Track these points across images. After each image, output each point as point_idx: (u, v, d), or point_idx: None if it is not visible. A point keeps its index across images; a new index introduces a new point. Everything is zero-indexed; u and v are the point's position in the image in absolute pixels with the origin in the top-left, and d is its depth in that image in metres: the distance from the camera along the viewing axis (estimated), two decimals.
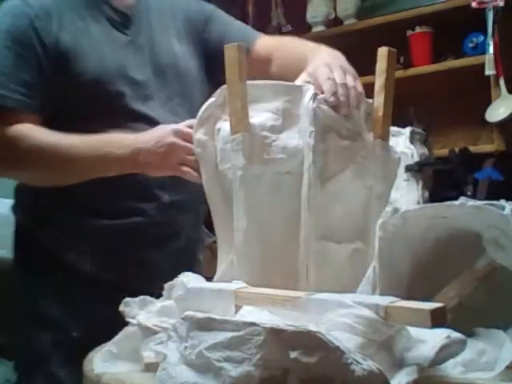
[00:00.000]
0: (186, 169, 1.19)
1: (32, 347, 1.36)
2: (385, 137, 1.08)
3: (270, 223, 1.03)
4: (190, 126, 1.13)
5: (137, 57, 1.38)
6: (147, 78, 1.37)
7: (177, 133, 1.19)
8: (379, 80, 1.08)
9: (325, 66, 1.10)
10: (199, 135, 1.07)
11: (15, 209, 1.46)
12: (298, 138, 1.03)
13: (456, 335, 0.74)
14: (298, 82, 1.10)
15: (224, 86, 1.05)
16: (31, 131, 1.27)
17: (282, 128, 1.04)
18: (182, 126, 1.20)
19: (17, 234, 1.46)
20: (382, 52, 1.09)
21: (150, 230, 1.38)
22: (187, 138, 1.16)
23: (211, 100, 1.07)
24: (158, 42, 1.42)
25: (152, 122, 1.31)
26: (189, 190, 1.33)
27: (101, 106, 1.31)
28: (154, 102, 1.37)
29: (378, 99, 1.08)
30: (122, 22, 1.39)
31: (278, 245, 1.02)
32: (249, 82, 1.04)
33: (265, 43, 1.46)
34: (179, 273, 1.00)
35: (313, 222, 1.01)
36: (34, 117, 1.30)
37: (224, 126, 1.05)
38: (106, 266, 1.35)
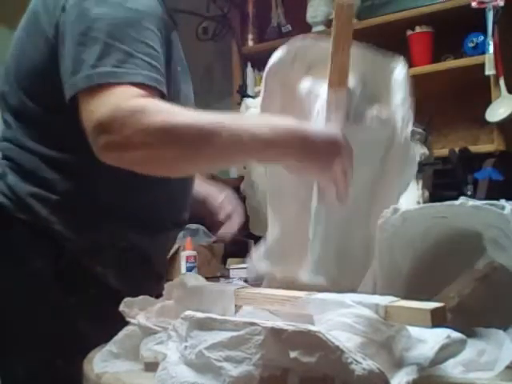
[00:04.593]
0: (343, 178, 1.04)
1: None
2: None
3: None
4: None
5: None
6: None
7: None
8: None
9: None
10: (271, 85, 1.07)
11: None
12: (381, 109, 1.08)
13: (456, 335, 0.74)
14: None
15: (292, 41, 1.07)
16: (172, 106, 1.05)
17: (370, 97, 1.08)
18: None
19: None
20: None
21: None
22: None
23: (280, 55, 1.07)
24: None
25: None
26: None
27: None
28: None
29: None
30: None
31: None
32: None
33: None
34: None
35: None
36: None
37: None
38: (129, 280, 1.27)
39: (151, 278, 1.32)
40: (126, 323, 0.98)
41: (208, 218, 1.49)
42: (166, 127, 1.01)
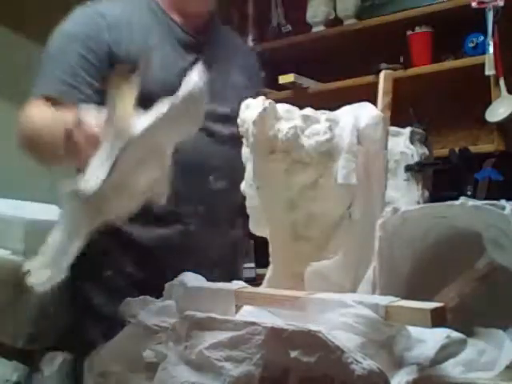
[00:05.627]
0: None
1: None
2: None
3: None
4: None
5: None
6: None
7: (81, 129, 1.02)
8: None
9: None
10: None
11: None
12: None
13: (456, 335, 0.74)
14: None
15: None
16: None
17: None
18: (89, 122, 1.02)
19: None
20: None
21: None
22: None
23: None
24: (218, 68, 1.40)
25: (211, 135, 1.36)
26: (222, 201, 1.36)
27: None
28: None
29: None
30: (193, 45, 1.40)
31: None
32: None
33: None
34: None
35: None
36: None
37: None
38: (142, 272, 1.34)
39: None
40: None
41: None
42: (18, 136, 1.28)
